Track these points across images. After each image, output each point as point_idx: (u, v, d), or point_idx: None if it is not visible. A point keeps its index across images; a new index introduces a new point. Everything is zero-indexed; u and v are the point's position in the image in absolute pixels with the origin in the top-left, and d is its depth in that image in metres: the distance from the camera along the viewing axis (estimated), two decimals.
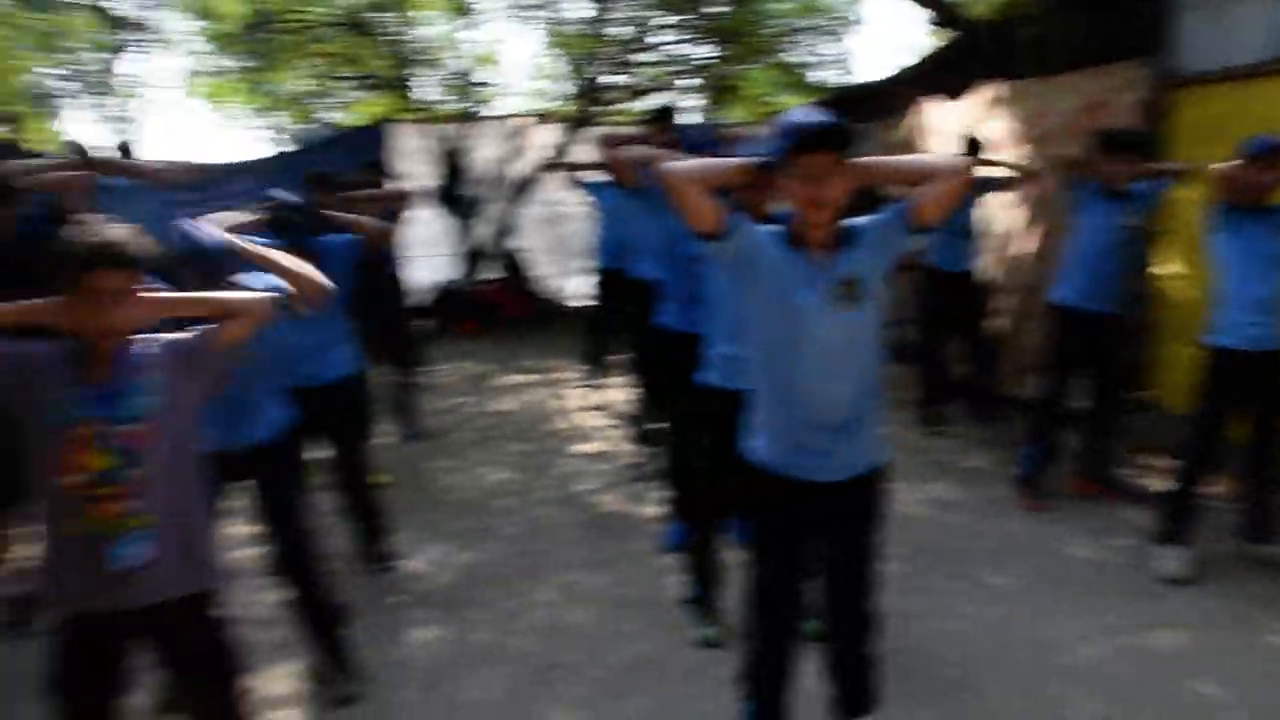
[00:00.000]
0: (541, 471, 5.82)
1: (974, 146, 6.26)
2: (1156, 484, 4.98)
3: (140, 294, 2.25)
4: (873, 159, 2.53)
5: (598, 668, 3.51)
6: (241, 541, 3.72)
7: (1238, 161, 3.97)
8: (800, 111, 2.49)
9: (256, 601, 3.80)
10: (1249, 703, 3.23)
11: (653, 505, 5.12)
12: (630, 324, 5.81)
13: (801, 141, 2.35)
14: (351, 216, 4.09)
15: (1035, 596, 4.03)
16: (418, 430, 6.53)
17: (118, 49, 14.63)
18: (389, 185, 5.43)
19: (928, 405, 6.53)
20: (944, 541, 4.59)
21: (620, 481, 5.58)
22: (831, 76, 10.10)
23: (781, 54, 9.75)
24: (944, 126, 7.56)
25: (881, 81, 10.85)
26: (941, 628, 3.76)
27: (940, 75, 8.72)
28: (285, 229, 3.59)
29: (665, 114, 5.63)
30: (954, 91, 7.81)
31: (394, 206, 5.32)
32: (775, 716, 2.79)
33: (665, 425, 4.53)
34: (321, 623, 3.34)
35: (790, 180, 2.40)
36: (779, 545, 2.68)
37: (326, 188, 4.78)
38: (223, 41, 10.34)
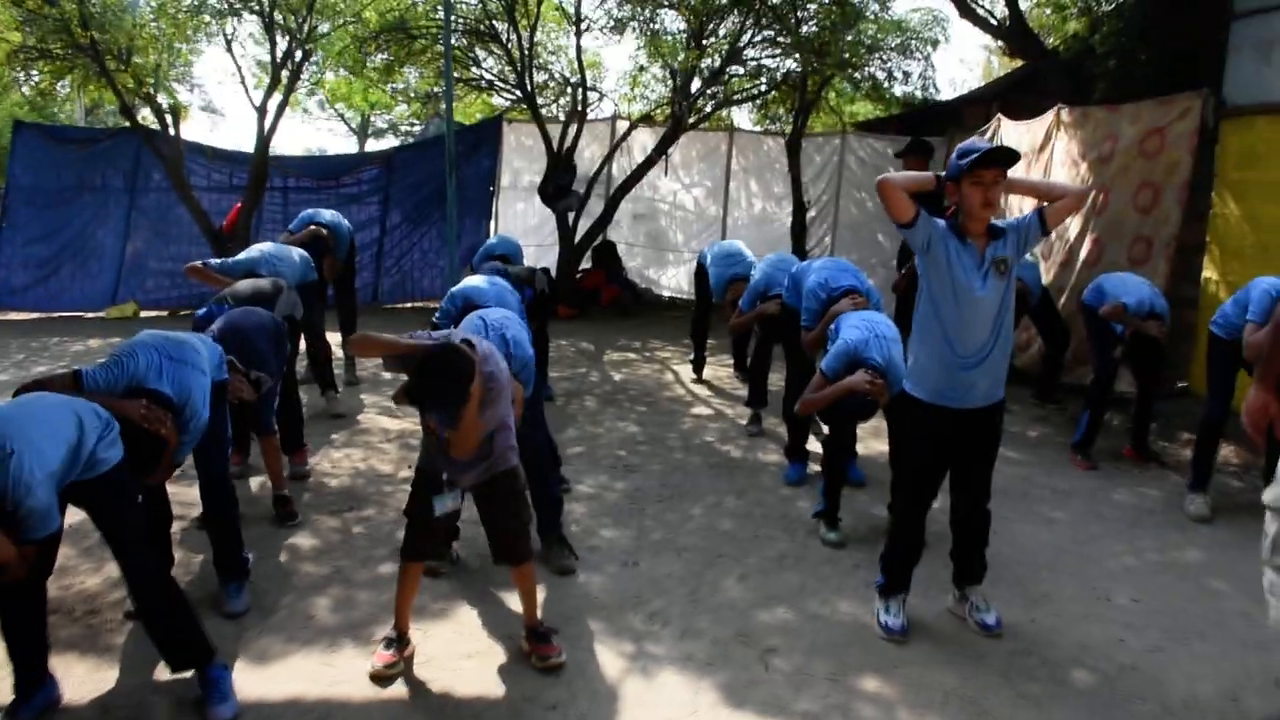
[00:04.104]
0: (667, 426, 6.96)
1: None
2: (1187, 452, 6.02)
3: None
4: (1024, 178, 3.69)
5: (751, 557, 4.64)
6: None
7: None
8: (971, 140, 3.58)
9: None
10: (1246, 593, 4.25)
11: (769, 453, 6.24)
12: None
13: (980, 160, 3.42)
14: None
15: (1084, 526, 5.10)
16: (551, 390, 7.71)
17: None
18: None
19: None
20: (1012, 488, 5.65)
21: (738, 435, 6.71)
22: (914, 92, 11.10)
23: (867, 69, 10.76)
24: (1017, 143, 8.62)
25: (957, 98, 11.89)
26: (1011, 546, 4.83)
27: (1015, 96, 9.78)
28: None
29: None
30: (1026, 112, 8.86)
31: None
32: (904, 584, 3.91)
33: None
34: (549, 513, 4.51)
35: (968, 188, 3.46)
36: (930, 449, 3.76)
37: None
38: (359, 44, 11.53)
